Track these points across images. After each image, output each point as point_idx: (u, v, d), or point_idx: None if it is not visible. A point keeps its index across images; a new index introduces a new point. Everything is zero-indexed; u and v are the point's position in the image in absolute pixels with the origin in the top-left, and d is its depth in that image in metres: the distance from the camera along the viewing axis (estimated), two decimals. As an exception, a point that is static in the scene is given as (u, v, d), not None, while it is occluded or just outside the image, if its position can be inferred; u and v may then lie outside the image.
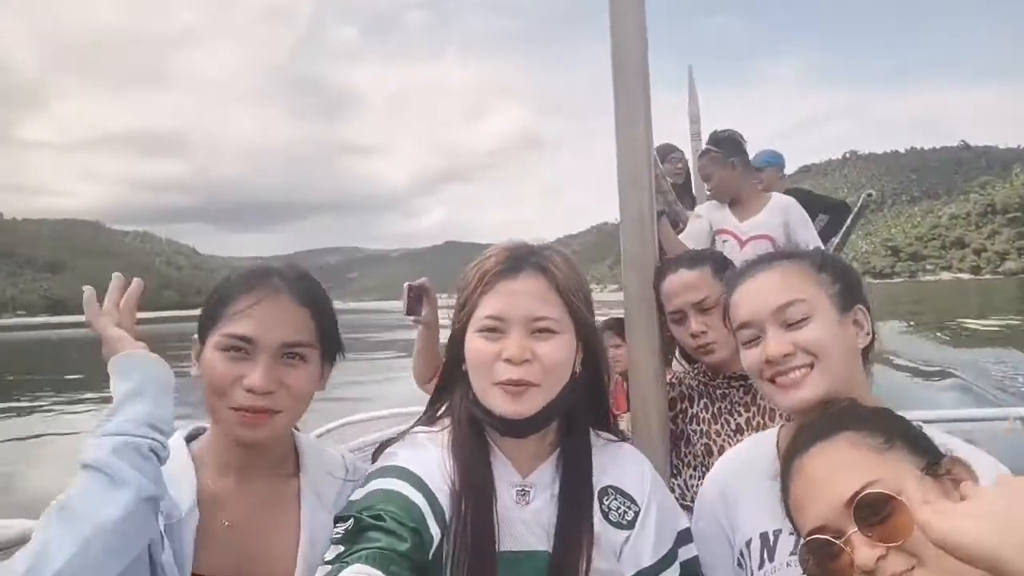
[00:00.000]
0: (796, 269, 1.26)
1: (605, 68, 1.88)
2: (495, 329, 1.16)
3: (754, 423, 1.78)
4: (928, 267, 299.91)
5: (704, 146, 3.34)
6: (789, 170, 5.42)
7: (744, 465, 1.37)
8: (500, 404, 1.15)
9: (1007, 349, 14.40)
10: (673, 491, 1.69)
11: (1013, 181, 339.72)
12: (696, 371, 1.95)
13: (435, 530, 1.16)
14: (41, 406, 19.21)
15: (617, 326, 2.88)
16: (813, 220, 4.49)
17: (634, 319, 1.86)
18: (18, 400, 20.54)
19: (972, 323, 22.81)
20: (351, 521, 1.13)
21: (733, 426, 1.81)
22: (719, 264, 1.87)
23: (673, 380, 1.96)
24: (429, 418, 1.35)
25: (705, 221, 3.33)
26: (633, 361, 1.84)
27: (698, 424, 1.87)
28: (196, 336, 1.25)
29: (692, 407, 1.90)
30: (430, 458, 1.23)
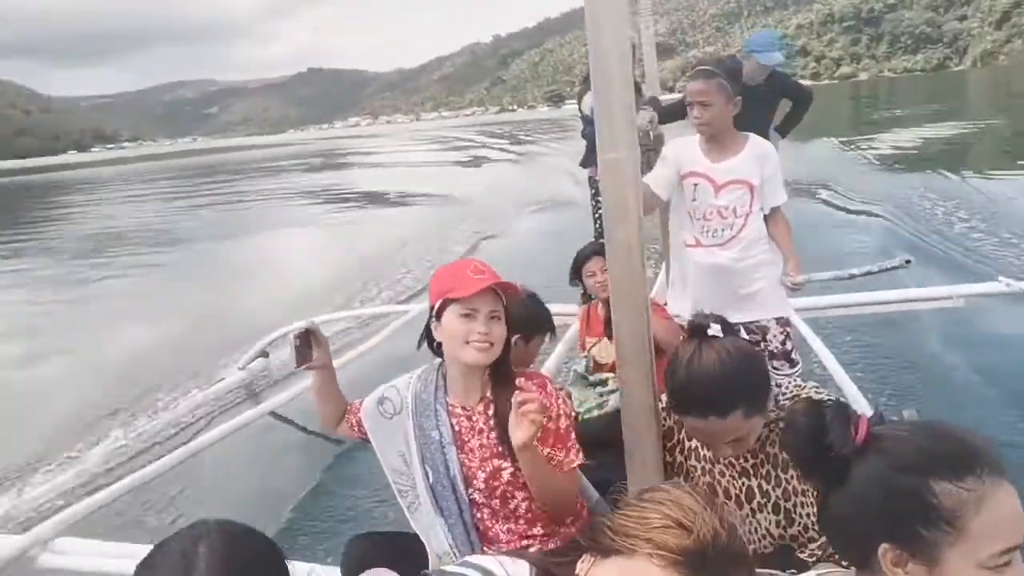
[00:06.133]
0: None
1: None
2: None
3: (762, 471, 1.65)
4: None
5: (706, 67, 2.79)
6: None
7: None
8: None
9: (927, 174, 11.75)
10: None
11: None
12: None
13: None
14: None
15: (602, 250, 2.66)
16: (779, 103, 4.79)
17: (627, 353, 1.73)
18: None
19: (883, 136, 18.79)
20: None
21: (739, 468, 1.68)
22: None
23: (666, 408, 1.79)
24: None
25: (672, 166, 2.85)
26: (627, 393, 1.75)
27: (698, 460, 1.76)
28: None
29: (690, 440, 1.78)
30: None
